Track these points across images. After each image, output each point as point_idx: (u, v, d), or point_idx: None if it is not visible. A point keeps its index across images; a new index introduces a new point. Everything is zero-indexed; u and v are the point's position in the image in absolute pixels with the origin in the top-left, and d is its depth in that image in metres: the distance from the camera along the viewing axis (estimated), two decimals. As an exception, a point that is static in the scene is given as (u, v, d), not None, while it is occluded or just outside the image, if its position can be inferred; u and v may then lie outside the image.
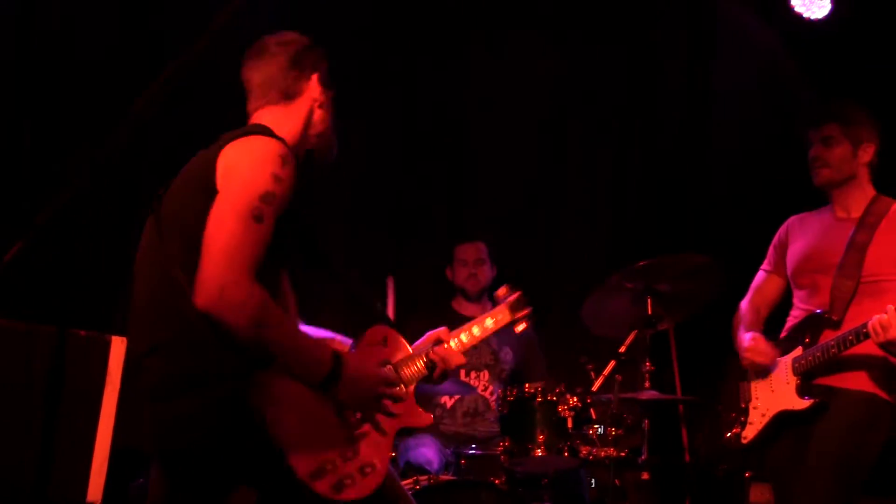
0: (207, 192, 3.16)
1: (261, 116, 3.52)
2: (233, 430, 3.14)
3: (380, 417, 3.39)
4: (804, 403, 4.50)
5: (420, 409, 3.67)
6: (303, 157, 3.52)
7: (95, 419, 4.91)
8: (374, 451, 3.39)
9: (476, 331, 3.85)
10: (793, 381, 4.56)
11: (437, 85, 7.11)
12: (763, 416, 4.68)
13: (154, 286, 3.30)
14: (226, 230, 3.07)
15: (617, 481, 5.49)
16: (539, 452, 5.19)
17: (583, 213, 7.38)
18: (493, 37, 7.19)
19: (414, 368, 3.67)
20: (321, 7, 6.60)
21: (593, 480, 5.75)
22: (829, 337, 4.43)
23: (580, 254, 7.23)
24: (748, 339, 4.74)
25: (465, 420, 6.15)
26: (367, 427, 3.39)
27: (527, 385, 5.37)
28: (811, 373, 4.50)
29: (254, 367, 3.13)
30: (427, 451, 5.72)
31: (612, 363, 5.61)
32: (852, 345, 4.29)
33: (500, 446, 5.31)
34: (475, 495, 4.96)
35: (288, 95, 3.52)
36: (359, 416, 3.37)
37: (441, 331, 3.82)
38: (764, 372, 4.70)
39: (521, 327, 3.98)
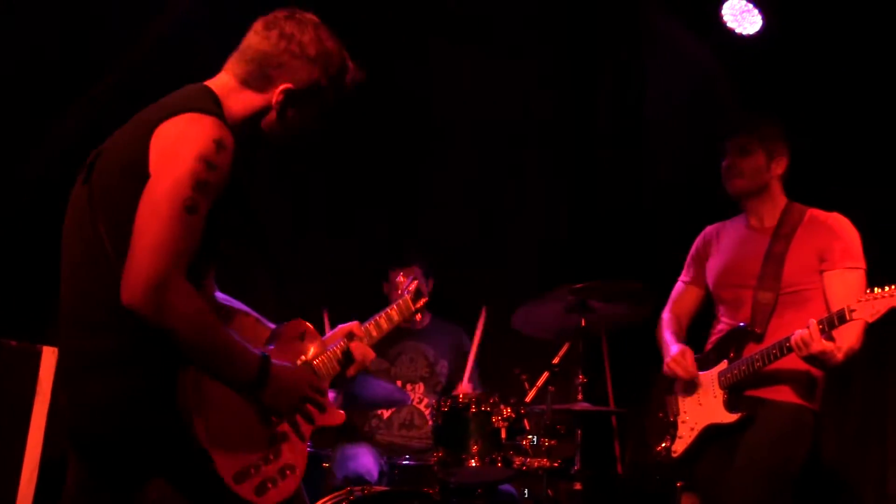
0: (139, 174, 2.98)
1: (226, 80, 3.31)
2: (156, 424, 3.05)
3: (300, 420, 3.31)
4: (732, 417, 4.54)
5: (334, 408, 3.57)
6: (247, 137, 3.30)
7: (25, 430, 4.82)
8: (294, 453, 3.35)
9: (384, 323, 3.83)
10: (720, 394, 4.59)
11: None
12: (692, 429, 4.70)
13: (81, 263, 3.15)
14: (156, 222, 2.89)
15: (550, 492, 5.49)
16: (473, 463, 5.15)
17: (522, 227, 7.36)
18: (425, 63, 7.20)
19: (329, 365, 3.57)
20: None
21: (526, 491, 5.73)
22: (753, 350, 4.49)
23: (514, 272, 7.20)
24: (676, 351, 4.76)
25: (400, 431, 6.13)
26: (288, 429, 3.32)
27: (461, 396, 5.33)
28: (738, 386, 4.53)
29: (181, 361, 3.03)
30: (366, 462, 5.71)
31: (545, 374, 5.57)
32: (776, 358, 4.34)
33: (434, 456, 5.25)
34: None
35: (253, 83, 3.30)
36: (282, 419, 3.28)
37: (353, 325, 3.72)
38: (691, 386, 4.73)
39: (419, 317, 3.96)
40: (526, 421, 5.28)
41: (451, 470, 5.18)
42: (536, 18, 7.32)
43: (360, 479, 5.45)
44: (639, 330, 5.26)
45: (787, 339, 4.26)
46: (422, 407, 6.13)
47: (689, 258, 5.03)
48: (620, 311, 5.47)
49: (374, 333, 3.80)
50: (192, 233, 2.95)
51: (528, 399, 5.50)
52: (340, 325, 3.70)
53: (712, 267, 4.85)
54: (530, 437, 5.25)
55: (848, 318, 4.13)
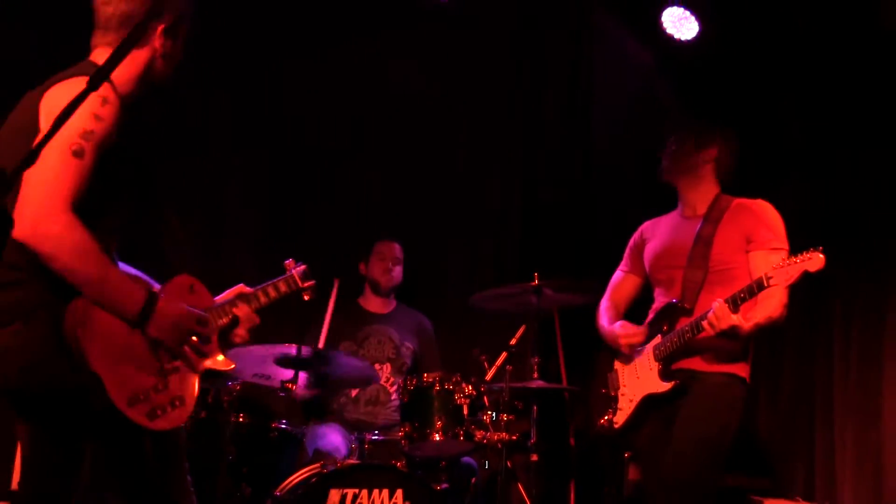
0: (32, 132, 3.10)
1: (100, 55, 3.42)
2: (51, 361, 3.12)
3: (187, 354, 3.38)
4: (666, 386, 4.60)
5: (224, 356, 3.59)
6: (136, 97, 3.41)
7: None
8: (183, 386, 3.38)
9: (271, 291, 3.77)
10: (655, 366, 4.65)
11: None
12: (631, 401, 4.76)
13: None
14: (45, 165, 2.91)
15: (508, 463, 5.54)
16: (437, 437, 5.24)
17: (479, 217, 7.40)
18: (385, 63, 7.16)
19: (216, 315, 3.55)
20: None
21: (486, 462, 5.80)
22: (684, 323, 4.52)
23: (472, 262, 7.29)
24: (619, 328, 4.85)
25: (366, 408, 6.18)
26: (177, 363, 3.37)
27: (425, 375, 5.42)
28: (671, 357, 4.60)
29: (69, 297, 3.10)
30: (334, 439, 5.78)
31: (503, 355, 5.68)
32: (700, 330, 4.39)
33: (401, 431, 5.35)
34: (378, 477, 4.96)
35: (132, 40, 3.11)
36: (169, 352, 3.33)
37: (241, 286, 3.73)
38: (629, 360, 4.82)
39: (307, 297, 3.96)
40: (486, 398, 5.36)
41: (417, 444, 5.27)
42: (499, 32, 7.43)
43: (332, 454, 5.50)
44: (589, 313, 5.30)
45: (704, 316, 4.35)
46: (388, 385, 6.20)
47: (627, 249, 5.11)
48: (571, 297, 5.61)
49: (262, 299, 3.73)
50: (79, 174, 3.08)
51: (487, 378, 5.62)
52: (230, 288, 3.71)
53: (649, 253, 4.92)
54: (490, 412, 5.34)
55: (766, 284, 4.20)
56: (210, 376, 4.25)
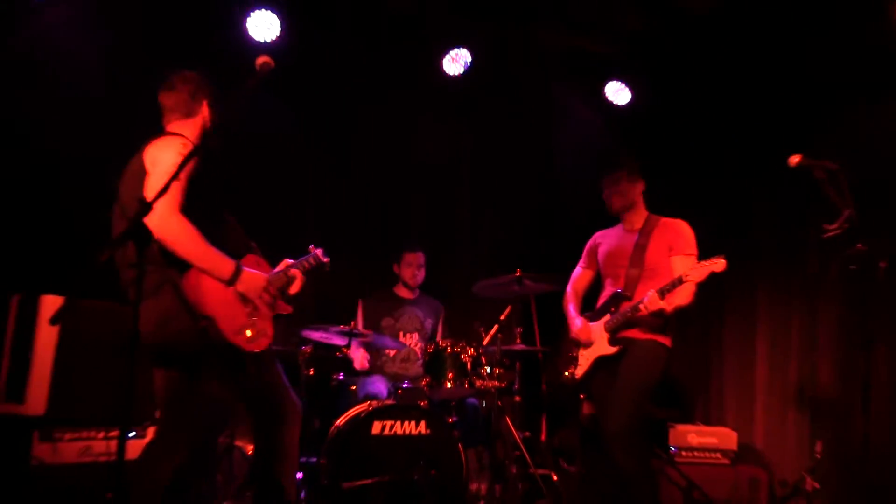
0: (141, 175, 3.41)
1: (173, 128, 3.68)
2: (177, 316, 3.35)
3: (264, 304, 3.61)
4: (614, 350, 4.60)
5: (283, 303, 3.80)
6: (202, 147, 3.57)
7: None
8: (264, 323, 3.61)
9: (305, 265, 3.94)
10: (605, 336, 4.64)
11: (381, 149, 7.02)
12: (587, 360, 4.73)
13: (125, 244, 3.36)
14: (157, 185, 3.14)
15: (499, 402, 5.45)
16: (449, 385, 5.21)
17: (478, 231, 7.32)
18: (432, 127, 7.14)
19: (278, 280, 3.78)
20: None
21: (484, 402, 5.67)
22: (626, 307, 4.54)
23: (475, 258, 7.19)
24: (578, 324, 4.82)
25: (400, 365, 6.07)
26: (260, 310, 3.60)
27: (440, 341, 5.36)
28: (616, 329, 4.60)
29: (185, 271, 3.37)
30: (379, 385, 5.71)
31: (496, 326, 5.57)
32: (636, 311, 4.44)
33: (423, 381, 5.28)
34: (408, 413, 4.91)
35: (189, 114, 3.72)
36: (250, 302, 3.57)
37: (288, 261, 3.93)
38: (587, 343, 4.77)
39: (327, 269, 4.08)
40: (483, 357, 5.31)
41: (435, 390, 5.23)
42: (489, 100, 7.30)
43: (375, 397, 5.44)
44: (556, 296, 5.21)
45: (640, 301, 4.40)
46: (416, 348, 6.09)
47: (584, 252, 5.05)
48: (543, 286, 5.48)
49: (305, 267, 3.94)
50: (178, 190, 3.34)
51: (484, 343, 5.51)
52: (283, 261, 3.92)
53: (601, 255, 4.88)
54: (486, 367, 5.28)
55: (684, 280, 4.30)
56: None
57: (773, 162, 5.95)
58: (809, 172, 3.70)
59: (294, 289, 3.84)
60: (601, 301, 4.76)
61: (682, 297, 4.42)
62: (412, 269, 6.26)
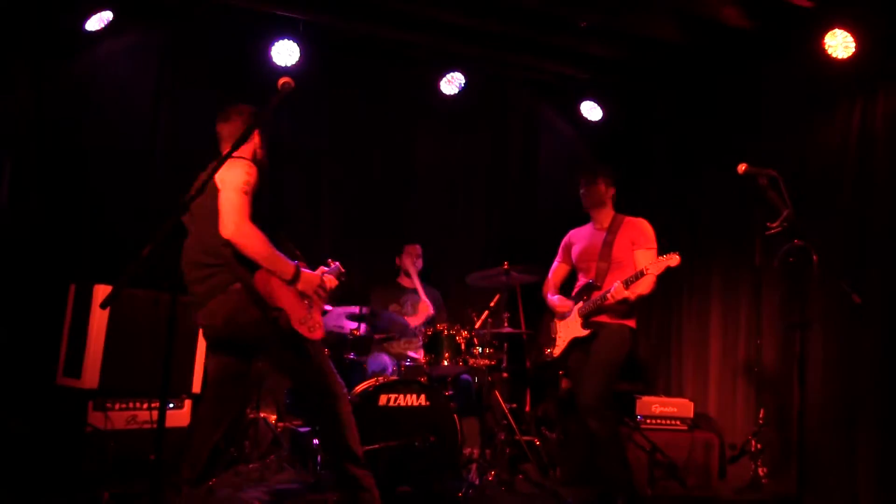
0: (213, 191, 3.44)
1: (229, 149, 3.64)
2: (245, 310, 3.43)
3: (319, 299, 3.70)
4: (586, 332, 4.60)
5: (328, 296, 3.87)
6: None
7: (194, 345, 4.82)
8: (318, 316, 3.68)
9: (331, 282, 3.92)
10: (579, 320, 4.64)
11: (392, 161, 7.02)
12: (564, 341, 4.72)
13: (195, 246, 3.53)
14: (231, 198, 3.41)
15: (489, 378, 5.47)
16: (446, 363, 5.19)
17: (470, 230, 7.29)
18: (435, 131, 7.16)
19: (330, 283, 3.83)
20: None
21: (476, 378, 5.67)
22: (596, 295, 4.54)
23: (467, 253, 7.14)
24: (557, 300, 4.81)
25: (403, 345, 6.04)
26: (313, 303, 3.67)
27: (438, 325, 5.33)
28: (589, 315, 4.60)
29: (254, 270, 3.43)
30: (384, 362, 5.69)
31: (486, 312, 5.57)
32: (605, 299, 4.46)
33: (424, 359, 5.28)
34: (410, 387, 4.90)
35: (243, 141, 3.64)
36: (308, 297, 3.64)
37: (322, 268, 3.96)
38: (563, 316, 4.76)
39: (344, 279, 4.10)
40: (475, 339, 5.29)
41: (434, 367, 5.21)
42: (481, 116, 7.31)
43: (382, 373, 5.44)
44: (537, 287, 5.19)
45: (608, 291, 4.42)
46: (417, 331, 6.05)
47: (560, 248, 5.02)
48: (527, 277, 5.46)
49: (335, 282, 3.95)
50: (249, 203, 3.45)
51: (476, 326, 5.49)
52: (320, 268, 3.94)
53: (575, 251, 4.86)
54: (478, 347, 5.27)
55: (645, 273, 4.32)
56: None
57: (725, 170, 6.07)
58: (754, 179, 3.71)
59: (330, 287, 3.88)
60: (575, 290, 4.76)
61: (644, 287, 4.42)
62: (412, 258, 6.24)
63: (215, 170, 3.16)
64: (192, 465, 3.50)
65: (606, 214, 4.78)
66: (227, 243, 3.39)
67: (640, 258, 4.55)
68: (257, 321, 3.42)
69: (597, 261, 4.67)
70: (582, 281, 4.77)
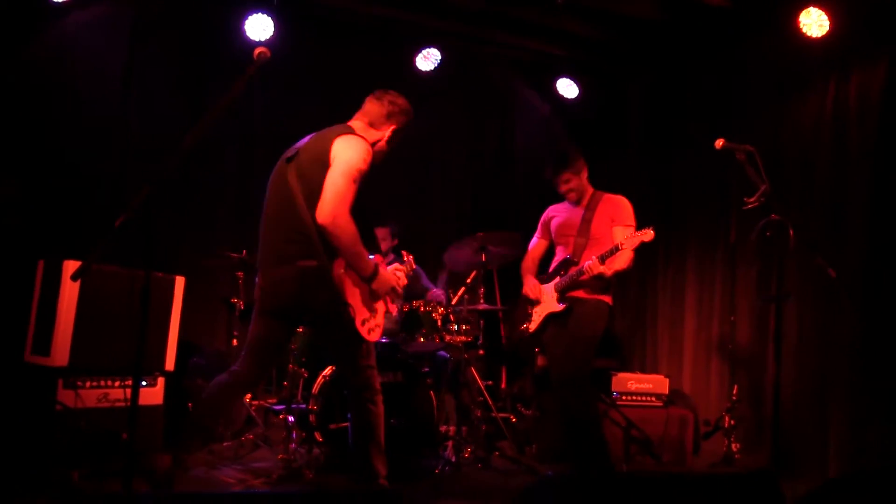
0: (324, 164, 3.39)
1: (357, 123, 3.70)
2: (314, 290, 3.40)
3: (390, 301, 3.75)
4: (562, 307, 4.60)
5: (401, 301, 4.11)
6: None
7: (167, 321, 4.76)
8: (380, 318, 3.70)
9: (404, 281, 3.91)
10: (555, 295, 4.63)
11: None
12: (539, 316, 4.72)
13: (280, 208, 3.50)
14: (338, 182, 3.34)
15: (466, 355, 5.45)
16: (422, 340, 5.19)
17: (446, 206, 7.29)
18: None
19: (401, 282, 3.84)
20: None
21: (451, 355, 5.63)
22: (573, 270, 4.53)
23: (444, 228, 7.14)
24: (529, 283, 4.82)
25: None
26: (380, 305, 3.69)
27: (414, 302, 5.31)
28: (565, 290, 4.59)
29: (333, 258, 3.40)
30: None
31: (462, 288, 5.59)
32: (581, 274, 4.46)
33: (400, 336, 5.26)
34: (387, 363, 4.91)
35: (375, 125, 3.72)
36: (377, 299, 3.65)
37: (408, 261, 4.22)
38: (542, 288, 4.75)
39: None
40: (451, 315, 5.27)
41: (410, 343, 5.21)
42: (457, 93, 7.28)
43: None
44: (513, 265, 5.22)
45: (584, 266, 4.42)
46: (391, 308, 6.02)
47: (539, 224, 5.00)
48: (505, 251, 5.42)
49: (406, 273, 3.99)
50: (354, 193, 3.40)
51: (453, 303, 5.51)
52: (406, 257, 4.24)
53: (554, 226, 4.84)
54: (454, 324, 5.25)
55: (620, 248, 4.34)
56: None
57: (700, 148, 6.10)
58: (732, 154, 3.71)
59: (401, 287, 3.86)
60: (553, 266, 4.76)
61: (620, 262, 4.43)
62: (381, 242, 6.23)
63: (332, 139, 3.38)
64: (214, 418, 3.66)
65: (584, 194, 4.77)
66: (319, 225, 3.34)
67: (619, 234, 4.53)
68: (325, 304, 3.40)
69: (575, 236, 4.66)
70: (560, 256, 4.75)
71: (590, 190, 4.78)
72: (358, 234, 3.38)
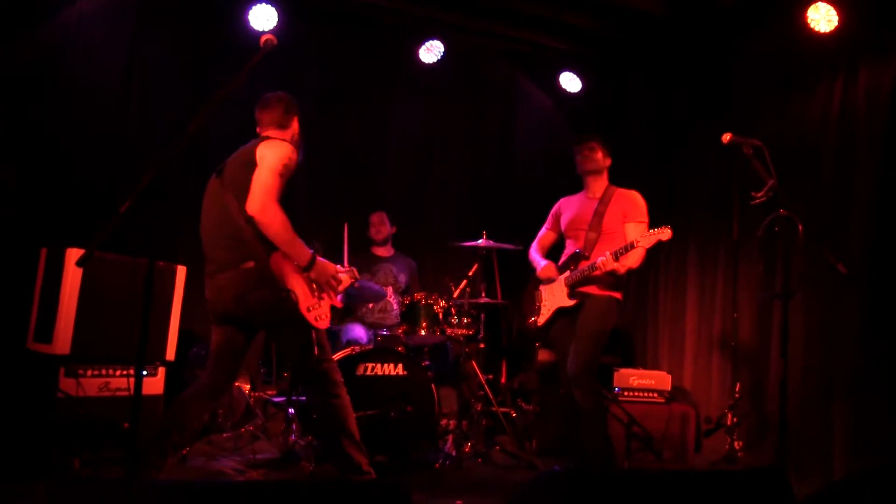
0: (250, 166, 3.53)
1: (269, 133, 3.78)
2: (257, 288, 3.50)
3: (330, 289, 3.76)
4: (572, 302, 4.53)
5: (341, 296, 4.10)
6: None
7: (169, 311, 4.75)
8: (326, 308, 3.74)
9: (345, 281, 4.00)
10: (565, 290, 4.56)
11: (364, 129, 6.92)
12: (549, 310, 4.66)
13: (215, 218, 3.63)
14: (265, 176, 3.48)
15: (466, 349, 5.45)
16: (422, 332, 5.20)
17: (447, 199, 7.24)
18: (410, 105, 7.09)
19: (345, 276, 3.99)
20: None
21: (452, 348, 5.67)
22: (584, 265, 4.47)
23: (445, 219, 7.12)
24: (544, 265, 4.74)
25: (379, 314, 5.97)
26: (323, 295, 3.74)
27: (415, 294, 5.31)
28: (575, 285, 4.52)
29: (270, 251, 3.49)
30: (359, 332, 5.62)
31: (464, 281, 5.51)
32: (593, 270, 4.38)
33: (401, 329, 5.24)
34: (387, 356, 4.88)
35: (283, 126, 3.83)
36: (320, 286, 3.72)
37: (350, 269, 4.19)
38: (548, 282, 4.69)
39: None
40: (453, 308, 5.28)
41: (410, 336, 5.22)
42: (460, 85, 7.24)
43: (357, 342, 5.37)
44: (515, 256, 5.20)
45: (597, 261, 4.34)
46: (392, 300, 6.00)
47: (550, 215, 4.94)
48: (506, 246, 5.42)
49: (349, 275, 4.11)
50: (281, 186, 3.53)
51: (454, 296, 5.46)
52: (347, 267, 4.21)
53: (564, 219, 4.78)
54: (455, 317, 5.25)
55: (635, 245, 4.25)
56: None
57: (704, 143, 6.08)
58: (738, 148, 3.69)
59: (342, 287, 3.94)
60: (562, 259, 4.70)
61: (633, 259, 4.39)
62: (375, 226, 6.20)
63: (254, 149, 3.50)
64: (181, 432, 3.52)
65: (601, 184, 4.71)
66: (251, 220, 3.45)
67: (631, 231, 4.50)
68: (266, 300, 3.48)
69: (586, 230, 4.60)
70: (570, 249, 4.69)
71: (605, 183, 4.72)
72: (288, 222, 3.49)
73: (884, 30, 4.89)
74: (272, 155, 3.54)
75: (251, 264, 3.48)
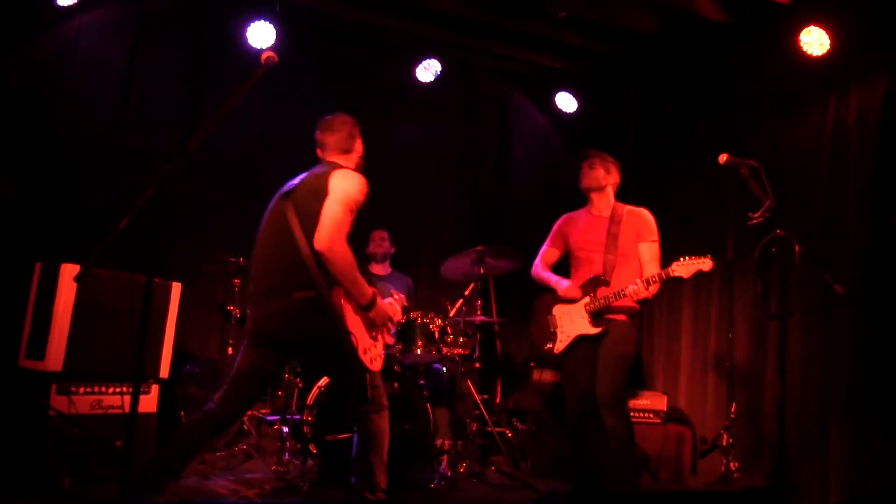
0: (321, 195, 3.43)
1: (334, 159, 3.72)
2: (310, 319, 3.37)
3: (387, 332, 3.72)
4: (597, 330, 4.36)
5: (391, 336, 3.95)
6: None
7: (163, 328, 4.71)
8: (381, 348, 3.69)
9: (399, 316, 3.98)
10: (586, 317, 4.39)
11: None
12: (568, 336, 4.46)
13: (275, 242, 3.50)
14: (336, 210, 3.39)
15: (462, 368, 5.41)
16: (418, 351, 5.13)
17: (443, 217, 7.23)
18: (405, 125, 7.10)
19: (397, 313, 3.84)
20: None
21: (445, 367, 5.60)
22: (604, 292, 4.35)
23: (441, 238, 7.12)
24: (564, 284, 4.55)
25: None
26: (378, 335, 3.67)
27: (411, 313, 5.24)
28: (599, 312, 4.38)
29: (332, 286, 3.37)
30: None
31: (460, 300, 5.53)
32: (620, 297, 4.27)
33: (397, 347, 5.21)
34: (383, 375, 4.79)
35: (347, 150, 3.77)
36: (376, 329, 3.64)
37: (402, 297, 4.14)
38: (562, 310, 4.53)
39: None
40: (449, 327, 5.22)
41: (406, 355, 5.15)
42: (456, 104, 7.28)
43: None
44: (510, 277, 5.18)
45: (625, 288, 4.23)
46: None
47: (552, 231, 4.78)
48: (503, 265, 5.39)
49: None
50: (351, 221, 3.46)
51: (450, 315, 5.44)
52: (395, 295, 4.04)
53: (573, 238, 4.65)
54: (451, 336, 5.20)
55: (671, 275, 4.15)
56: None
57: (698, 164, 6.11)
58: (735, 169, 3.70)
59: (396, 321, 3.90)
60: (579, 282, 4.52)
61: (657, 285, 4.28)
62: (377, 241, 6.17)
63: (326, 177, 3.45)
64: (184, 457, 3.40)
65: (606, 202, 4.60)
66: (317, 253, 3.35)
67: (644, 251, 4.43)
68: (320, 328, 3.37)
69: (604, 252, 4.46)
70: (584, 270, 4.55)
71: (611, 201, 4.62)
72: (355, 261, 3.40)
73: (874, 53, 4.95)
74: (346, 189, 3.46)
75: (310, 294, 3.34)
